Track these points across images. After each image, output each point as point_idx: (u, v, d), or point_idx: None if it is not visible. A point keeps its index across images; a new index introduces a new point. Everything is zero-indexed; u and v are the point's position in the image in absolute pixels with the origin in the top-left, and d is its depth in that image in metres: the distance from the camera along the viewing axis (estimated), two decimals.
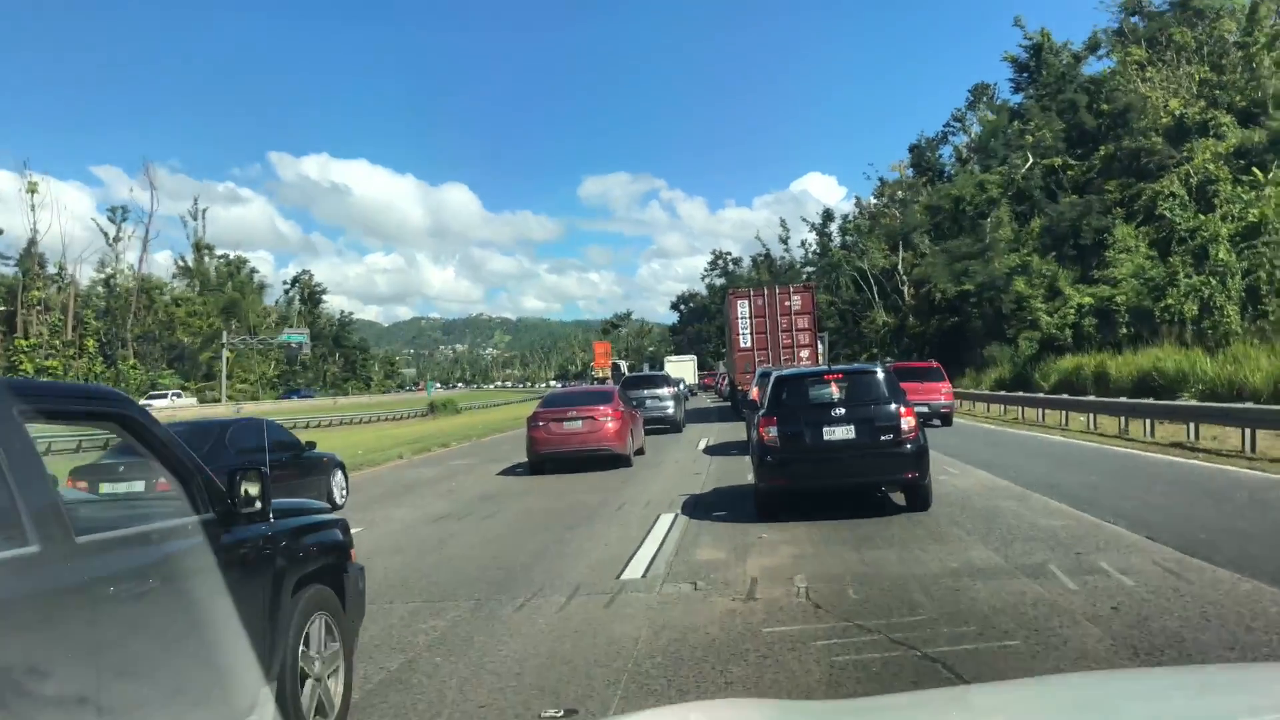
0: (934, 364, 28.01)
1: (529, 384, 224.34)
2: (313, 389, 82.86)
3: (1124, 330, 35.06)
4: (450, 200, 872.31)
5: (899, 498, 11.13)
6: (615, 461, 17.63)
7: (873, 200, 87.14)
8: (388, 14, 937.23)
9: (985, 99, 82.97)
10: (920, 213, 61.23)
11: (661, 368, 62.92)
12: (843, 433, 10.39)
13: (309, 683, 4.33)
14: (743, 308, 32.40)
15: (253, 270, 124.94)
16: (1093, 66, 67.78)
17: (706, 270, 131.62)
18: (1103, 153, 57.24)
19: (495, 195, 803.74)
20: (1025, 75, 74.46)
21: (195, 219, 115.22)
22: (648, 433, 22.78)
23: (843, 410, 10.55)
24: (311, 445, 14.99)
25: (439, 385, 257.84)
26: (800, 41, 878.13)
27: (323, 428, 48.34)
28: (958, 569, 7.65)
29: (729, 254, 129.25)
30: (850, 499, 11.06)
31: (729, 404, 36.77)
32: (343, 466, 16.03)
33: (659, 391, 28.15)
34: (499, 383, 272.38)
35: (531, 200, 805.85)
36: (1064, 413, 25.01)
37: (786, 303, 31.84)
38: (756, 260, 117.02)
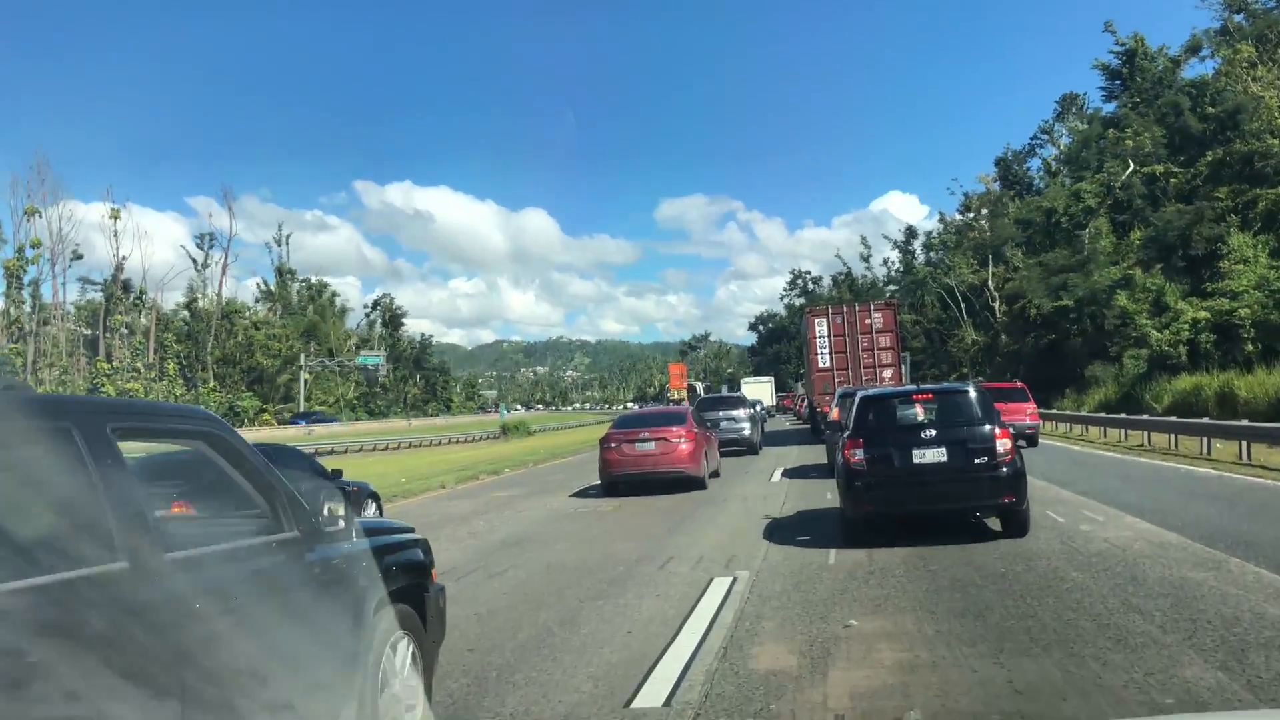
0: (1019, 384, 27.68)
1: (607, 405, 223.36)
2: (337, 415, 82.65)
3: (1250, 346, 31.75)
4: (529, 225, 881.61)
5: (994, 523, 10.60)
6: (689, 484, 17.24)
7: (957, 216, 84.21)
8: (463, 45, 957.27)
9: (1075, 109, 79.46)
10: (1011, 224, 58.00)
11: (738, 389, 62.25)
12: (934, 455, 9.99)
13: (389, 698, 4.24)
14: (821, 326, 31.00)
15: (334, 294, 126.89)
16: (1193, 70, 64.22)
17: (785, 290, 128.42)
18: (1210, 158, 53.34)
19: (573, 220, 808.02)
20: (1118, 83, 71.03)
21: (280, 245, 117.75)
22: (723, 454, 22.28)
23: (933, 432, 10.18)
24: (338, 474, 13.37)
25: (519, 407, 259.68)
26: (879, 58, 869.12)
27: (388, 450, 47.49)
28: (1173, 703, 4.81)
29: (808, 273, 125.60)
30: (945, 526, 10.48)
31: (808, 426, 35.55)
32: (376, 498, 14.52)
33: (735, 413, 27.44)
34: (577, 405, 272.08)
35: (609, 224, 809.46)
36: (1172, 436, 22.83)
37: (867, 320, 30.41)
38: (837, 279, 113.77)
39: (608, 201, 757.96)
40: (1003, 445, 9.98)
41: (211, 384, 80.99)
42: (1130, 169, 47.99)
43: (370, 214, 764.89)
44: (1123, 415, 28.92)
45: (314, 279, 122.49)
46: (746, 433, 26.98)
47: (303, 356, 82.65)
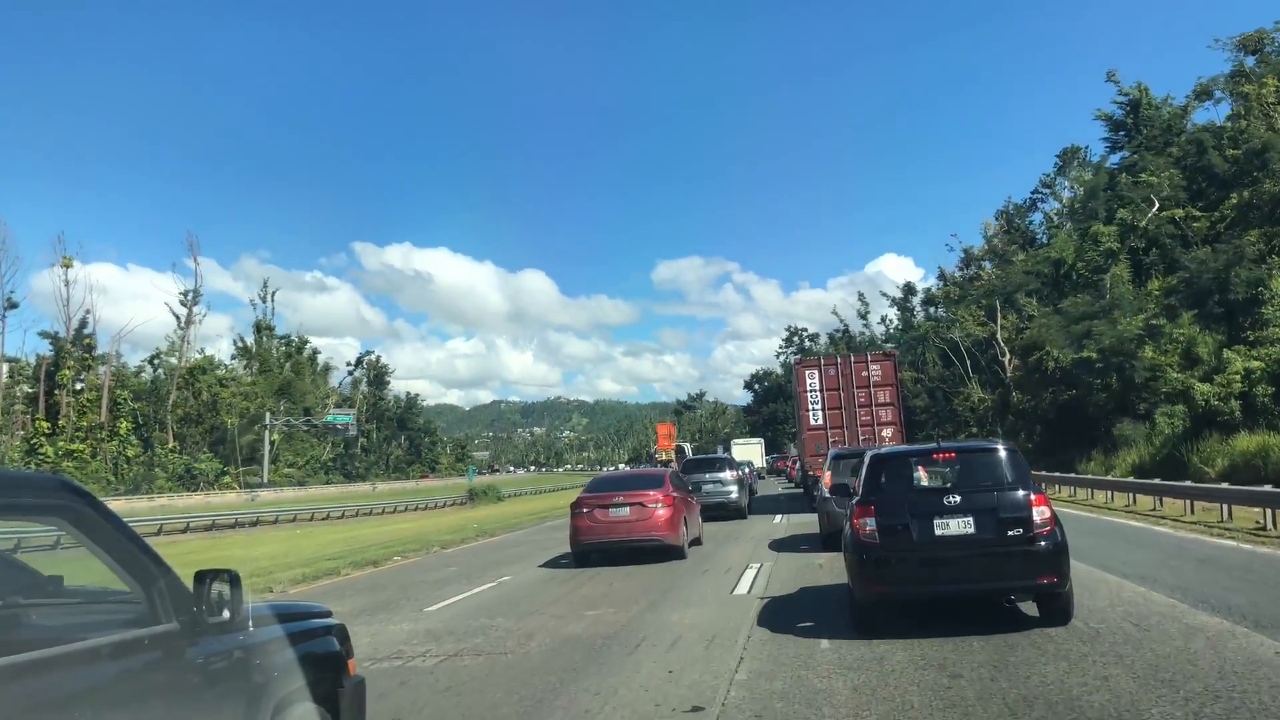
0: (1011, 446, 22.69)
1: (600, 466, 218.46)
2: (305, 480, 76.32)
3: None
4: (528, 286, 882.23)
5: (1029, 607, 9.21)
6: (667, 553, 16.01)
7: (957, 272, 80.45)
8: (462, 107, 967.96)
9: (1076, 162, 76.48)
10: (1024, 270, 53.76)
11: (730, 450, 61.26)
12: (958, 526, 8.60)
13: None
14: (812, 379, 27.76)
15: (315, 351, 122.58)
16: (1201, 116, 61.35)
17: (781, 348, 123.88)
18: (1235, 200, 49.54)
19: (571, 280, 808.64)
20: (1122, 133, 68.35)
21: (265, 300, 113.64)
22: (710, 519, 21.43)
23: (958, 498, 8.70)
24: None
25: (512, 468, 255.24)
26: (873, 122, 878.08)
27: (327, 520, 42.53)
28: None
29: (804, 330, 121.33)
30: (973, 611, 9.15)
31: (801, 490, 32.54)
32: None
33: (721, 475, 26.14)
34: (568, 466, 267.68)
35: (606, 285, 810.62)
36: (1224, 505, 18.95)
37: (864, 373, 27.32)
38: (834, 336, 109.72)
39: (605, 262, 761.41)
40: (1040, 514, 8.60)
41: (171, 444, 76.24)
42: (1155, 206, 43.75)
43: (369, 275, 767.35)
44: (1157, 480, 24.45)
45: (295, 336, 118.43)
46: (733, 496, 25.54)
47: (268, 415, 77.72)
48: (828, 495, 16.54)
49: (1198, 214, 49.79)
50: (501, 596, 12.74)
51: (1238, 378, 29.90)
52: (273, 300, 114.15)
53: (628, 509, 15.92)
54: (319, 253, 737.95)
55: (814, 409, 27.54)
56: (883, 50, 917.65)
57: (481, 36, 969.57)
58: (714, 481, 25.72)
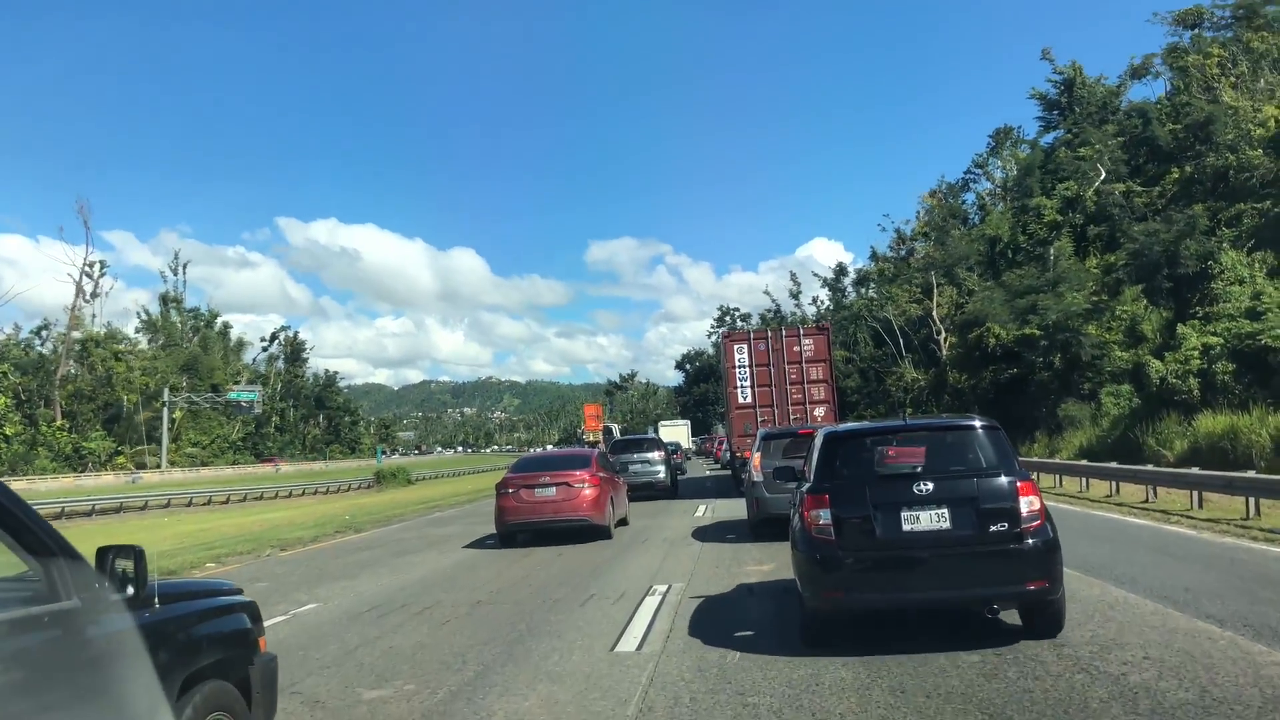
0: (993, 423, 21.89)
1: (529, 448, 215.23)
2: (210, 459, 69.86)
3: None
4: (459, 265, 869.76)
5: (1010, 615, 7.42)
6: (593, 533, 15.86)
7: (889, 252, 78.97)
8: (392, 80, 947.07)
9: (1010, 142, 75.42)
10: (963, 241, 51.72)
11: (657, 432, 61.51)
12: (930, 519, 6.93)
13: None
14: (741, 354, 25.91)
15: (225, 325, 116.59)
16: (1137, 93, 60.55)
17: (713, 327, 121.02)
18: (1176, 175, 48.16)
19: (503, 260, 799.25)
20: (1056, 113, 67.48)
21: (176, 273, 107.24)
22: (638, 499, 21.74)
23: (929, 485, 6.99)
24: None
25: (440, 449, 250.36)
26: (803, 108, 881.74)
27: (209, 505, 38.59)
28: None
29: (736, 309, 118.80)
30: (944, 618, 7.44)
31: (729, 473, 31.27)
32: None
33: (649, 455, 26.85)
34: (495, 447, 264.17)
35: (539, 265, 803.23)
36: (1193, 493, 17.14)
37: (796, 348, 25.53)
38: (765, 317, 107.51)
39: (538, 242, 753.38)
40: (1029, 504, 6.96)
41: (59, 421, 70.82)
42: (1103, 176, 41.80)
43: (294, 251, 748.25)
44: (1115, 465, 22.57)
45: (206, 309, 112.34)
46: (660, 476, 26.25)
47: (166, 391, 72.69)
48: (757, 479, 15.02)
49: (1139, 188, 48.34)
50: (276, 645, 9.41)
51: (1195, 354, 27.82)
52: (184, 272, 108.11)
53: (554, 489, 15.75)
54: (242, 227, 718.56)
55: (742, 386, 25.83)
56: (820, 36, 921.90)
57: (415, 8, 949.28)
58: (642, 462, 26.26)
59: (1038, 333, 36.34)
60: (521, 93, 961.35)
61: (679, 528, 17.54)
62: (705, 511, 20.83)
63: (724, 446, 38.70)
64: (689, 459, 55.18)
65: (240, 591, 4.56)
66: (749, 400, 25.61)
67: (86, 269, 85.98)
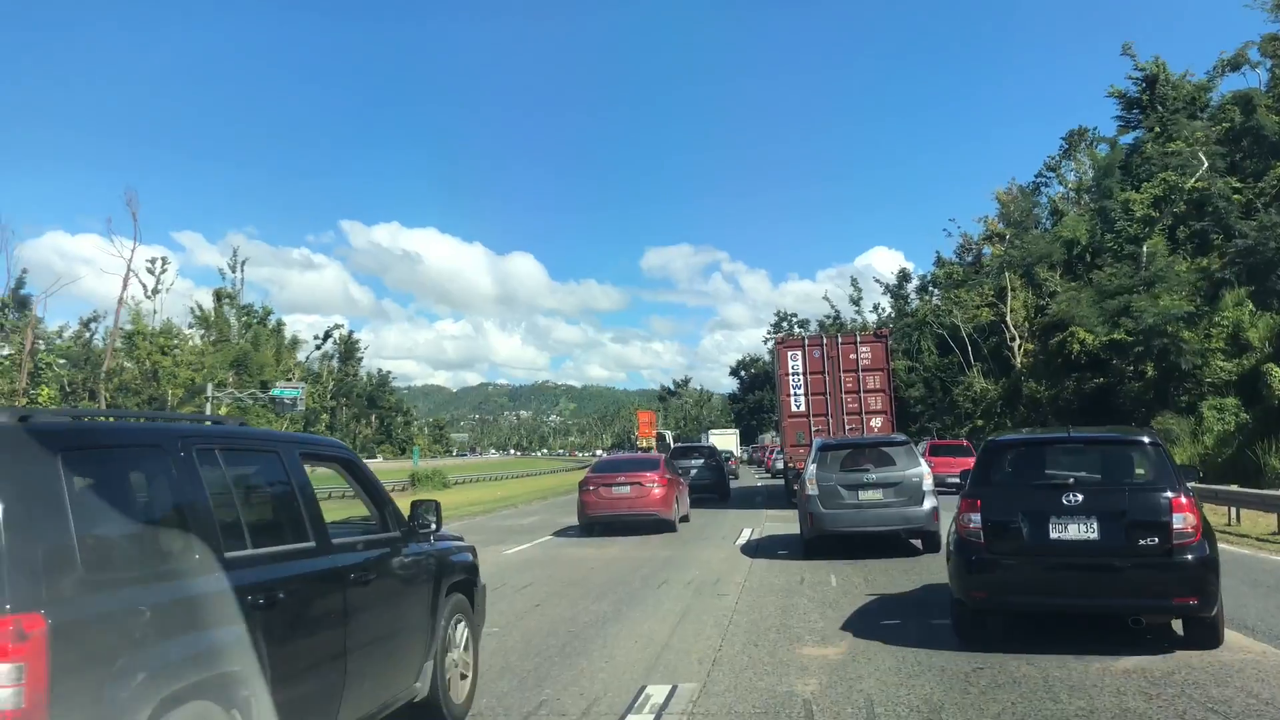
0: (964, 442, 31.18)
1: (583, 452, 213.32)
2: None
3: None
4: (516, 269, 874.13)
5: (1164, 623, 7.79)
6: (660, 526, 18.41)
7: (955, 259, 75.10)
8: (455, 90, 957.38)
9: (1085, 144, 70.95)
10: (1044, 239, 47.85)
11: (707, 440, 61.50)
12: (1078, 529, 7.38)
13: (450, 662, 6.02)
14: (795, 361, 25.27)
15: (280, 322, 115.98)
16: (1230, 85, 55.83)
17: (769, 333, 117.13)
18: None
19: (560, 265, 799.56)
20: (1136, 111, 62.93)
21: (234, 270, 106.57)
22: (695, 500, 23.70)
23: (1079, 497, 7.41)
24: None
25: (494, 451, 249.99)
26: (863, 114, 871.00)
27: None
28: None
29: (794, 315, 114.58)
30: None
31: (781, 483, 30.50)
32: None
33: (705, 461, 29.68)
34: (545, 451, 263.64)
35: (595, 270, 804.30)
36: None
37: (852, 355, 24.92)
38: (824, 324, 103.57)
39: (595, 248, 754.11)
40: (1183, 520, 7.14)
41: (102, 416, 69.97)
42: (1204, 166, 37.78)
43: (357, 253, 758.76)
44: (1235, 488, 19.53)
45: (260, 306, 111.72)
46: (714, 479, 29.14)
47: (210, 387, 71.45)
48: (812, 493, 14.10)
49: (1237, 185, 44.18)
50: None
51: None
52: (242, 270, 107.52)
53: (628, 488, 18.34)
54: (306, 230, 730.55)
55: (796, 394, 25.21)
56: (880, 39, 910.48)
57: (476, 16, 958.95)
58: (698, 466, 28.61)
59: (1130, 338, 32.63)
60: (579, 100, 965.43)
61: (721, 556, 15.83)
62: (759, 522, 20.73)
63: (775, 455, 38.04)
64: (739, 466, 54.61)
65: (467, 543, 6.87)
66: (803, 409, 24.96)
67: (149, 265, 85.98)
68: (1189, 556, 7.06)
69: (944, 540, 9.22)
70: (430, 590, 5.81)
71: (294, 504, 4.73)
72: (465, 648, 6.27)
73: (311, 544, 4.69)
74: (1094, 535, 7.31)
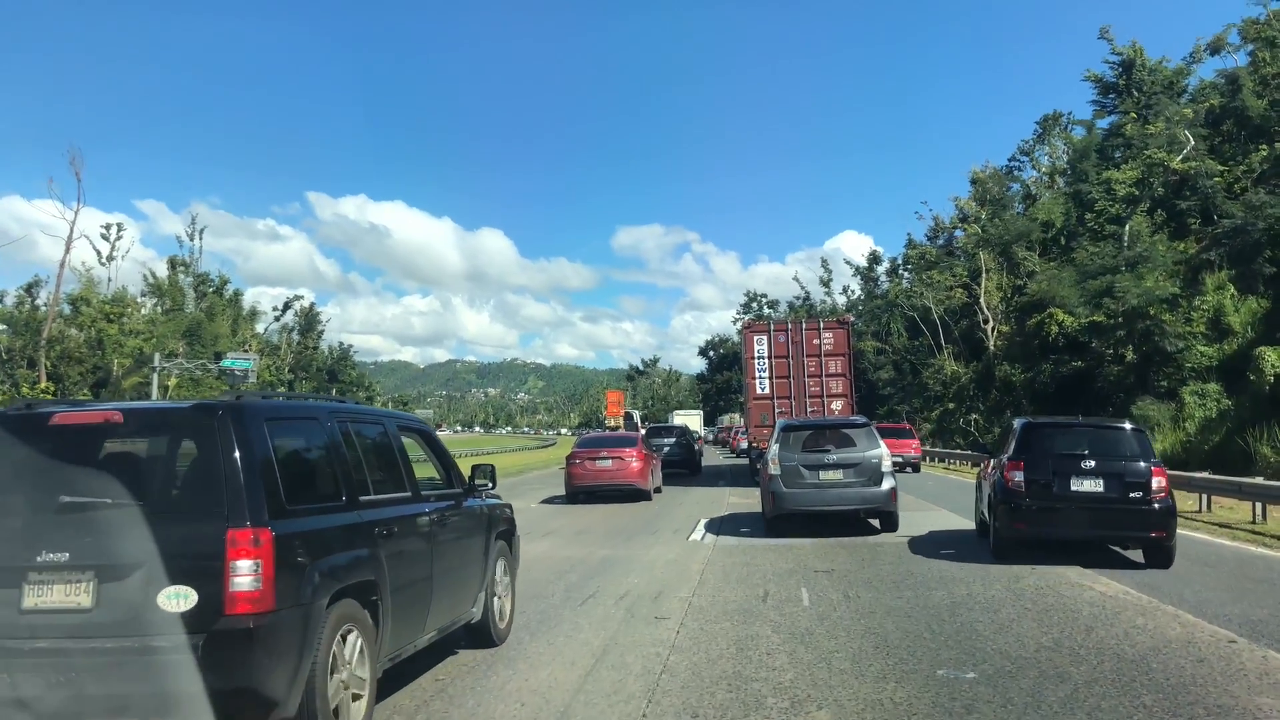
0: (906, 425, 34.59)
1: (549, 430, 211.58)
2: None
3: None
4: (486, 245, 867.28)
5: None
6: (637, 496, 20.80)
7: (926, 241, 73.83)
8: (422, 60, 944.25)
9: (1058, 129, 69.79)
10: (1023, 218, 46.41)
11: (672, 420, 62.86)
12: (1091, 485, 10.94)
13: (495, 599, 7.42)
14: (760, 345, 26.52)
15: (236, 291, 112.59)
16: (1208, 71, 54.74)
17: (738, 314, 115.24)
18: (1264, 152, 42.71)
19: (530, 242, 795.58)
20: (1112, 96, 61.87)
21: (193, 239, 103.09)
22: (667, 476, 25.99)
23: (1093, 463, 11.00)
24: None
25: (459, 428, 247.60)
26: (836, 96, 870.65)
27: None
28: None
29: (764, 296, 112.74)
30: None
31: (745, 462, 32.02)
32: None
33: (676, 439, 32.36)
34: (509, 429, 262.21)
35: (566, 248, 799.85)
36: None
37: (815, 341, 26.24)
38: (794, 305, 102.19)
39: (566, 225, 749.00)
40: (1158, 482, 10.90)
41: (43, 384, 67.06)
42: (1190, 145, 36.41)
43: (323, 225, 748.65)
44: (1206, 475, 18.67)
45: (216, 275, 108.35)
46: (683, 455, 31.69)
47: (157, 357, 68.76)
48: (774, 472, 14.27)
49: (1221, 167, 43.05)
50: None
51: None
52: (200, 238, 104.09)
53: (610, 461, 20.53)
54: (272, 200, 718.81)
55: (761, 377, 26.44)
56: (851, 25, 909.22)
57: None
58: (670, 444, 31.08)
59: (1111, 320, 31.23)
60: (552, 77, 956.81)
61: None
62: (723, 499, 21.97)
63: (739, 435, 40.24)
64: (704, 446, 54.18)
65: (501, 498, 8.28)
66: (767, 391, 26.10)
67: (103, 231, 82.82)
68: (1161, 505, 10.76)
69: (984, 493, 12.86)
70: (484, 536, 7.28)
71: (396, 463, 6.22)
72: (507, 584, 7.75)
73: (408, 494, 6.20)
74: (1101, 490, 10.86)
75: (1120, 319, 31.07)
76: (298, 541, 4.71)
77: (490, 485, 7.55)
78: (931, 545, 12.99)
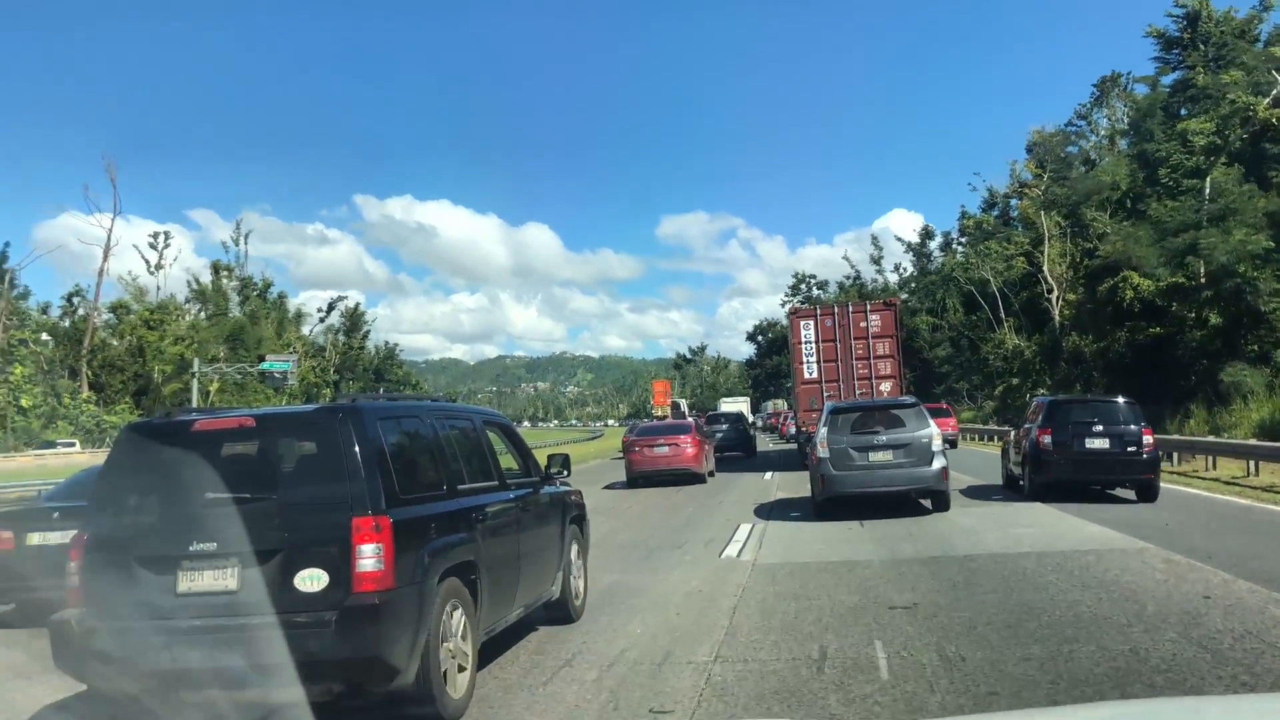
0: (943, 405, 35.53)
1: (595, 423, 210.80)
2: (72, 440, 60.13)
3: None
4: (531, 240, 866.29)
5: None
6: (693, 479, 22.19)
7: (979, 214, 70.76)
8: (463, 60, 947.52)
9: (1117, 90, 66.15)
10: (1107, 173, 43.22)
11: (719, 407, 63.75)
12: (1099, 444, 14.89)
13: (571, 578, 7.92)
14: (807, 330, 26.46)
15: (281, 295, 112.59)
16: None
17: (787, 295, 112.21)
18: None
19: (575, 235, 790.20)
20: (1177, 51, 58.26)
21: (238, 244, 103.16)
22: (722, 459, 28.90)
23: (1101, 427, 14.95)
24: None
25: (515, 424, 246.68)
26: (882, 76, 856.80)
27: None
28: None
29: (813, 277, 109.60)
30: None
31: (794, 447, 30.86)
32: None
33: (731, 426, 35.39)
34: (557, 422, 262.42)
35: (611, 239, 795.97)
36: None
37: (862, 323, 26.10)
38: (844, 285, 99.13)
39: (610, 217, 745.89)
40: (1147, 439, 14.91)
41: (85, 394, 66.88)
42: (1278, 88, 33.17)
43: (371, 227, 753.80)
44: None
45: (260, 278, 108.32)
46: (737, 440, 34.29)
47: (196, 362, 68.19)
48: (823, 455, 14.25)
49: None
50: None
51: None
52: (246, 242, 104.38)
53: (667, 448, 22.33)
54: (319, 205, 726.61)
55: (808, 361, 26.42)
56: (890, 8, 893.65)
57: None
58: (726, 429, 34.22)
59: (1193, 282, 28.34)
60: (593, 71, 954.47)
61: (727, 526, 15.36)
62: (771, 485, 21.63)
63: (788, 421, 40.52)
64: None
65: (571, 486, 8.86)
66: (815, 375, 26.15)
67: (151, 241, 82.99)
68: (1149, 456, 14.96)
69: (1010, 457, 17.50)
70: (560, 520, 7.95)
71: (484, 454, 6.97)
72: (580, 564, 8.35)
73: (495, 482, 6.87)
74: (1107, 446, 14.95)
75: (1204, 279, 28.16)
76: (411, 527, 5.31)
77: (565, 474, 8.16)
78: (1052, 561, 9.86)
